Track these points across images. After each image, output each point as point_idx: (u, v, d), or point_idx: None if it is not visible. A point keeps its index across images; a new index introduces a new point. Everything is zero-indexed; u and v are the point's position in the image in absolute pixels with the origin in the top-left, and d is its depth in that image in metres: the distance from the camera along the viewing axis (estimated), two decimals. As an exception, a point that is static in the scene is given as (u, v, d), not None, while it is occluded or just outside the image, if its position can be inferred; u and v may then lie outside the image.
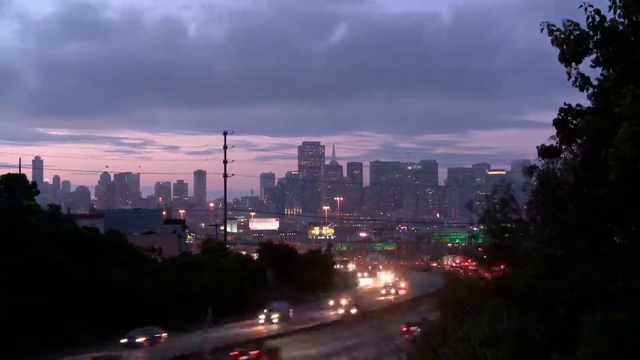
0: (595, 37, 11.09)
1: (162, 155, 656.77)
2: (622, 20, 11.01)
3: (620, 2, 10.92)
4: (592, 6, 10.95)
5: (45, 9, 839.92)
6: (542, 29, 11.34)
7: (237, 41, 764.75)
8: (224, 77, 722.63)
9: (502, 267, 23.60)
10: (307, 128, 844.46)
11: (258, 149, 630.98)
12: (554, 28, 11.31)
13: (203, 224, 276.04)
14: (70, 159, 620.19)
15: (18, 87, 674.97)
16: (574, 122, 12.25)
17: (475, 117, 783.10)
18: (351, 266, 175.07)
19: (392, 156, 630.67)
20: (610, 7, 10.97)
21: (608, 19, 11.05)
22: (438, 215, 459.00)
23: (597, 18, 11.00)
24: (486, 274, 27.44)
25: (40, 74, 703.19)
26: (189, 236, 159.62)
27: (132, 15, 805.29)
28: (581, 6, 11.02)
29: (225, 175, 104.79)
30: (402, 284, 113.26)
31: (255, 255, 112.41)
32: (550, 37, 11.33)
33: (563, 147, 13.39)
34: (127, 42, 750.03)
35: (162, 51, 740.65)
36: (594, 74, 11.70)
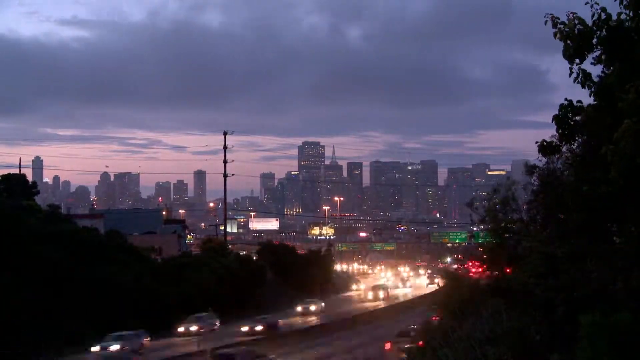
0: (600, 33, 11.00)
1: (169, 155, 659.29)
2: (627, 12, 10.89)
3: None
4: (597, 3, 10.87)
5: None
6: (545, 21, 11.23)
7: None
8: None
9: (502, 266, 23.59)
10: (313, 128, 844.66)
11: (263, 149, 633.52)
12: (559, 21, 11.20)
13: (203, 224, 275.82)
14: (76, 160, 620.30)
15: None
16: (575, 118, 12.19)
17: (484, 117, 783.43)
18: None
19: (398, 157, 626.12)
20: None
21: (615, 13, 10.95)
22: (438, 215, 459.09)
23: (603, 15, 10.91)
24: (486, 274, 27.43)
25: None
26: (189, 236, 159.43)
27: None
28: (587, 3, 10.94)
29: (225, 175, 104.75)
30: None
31: (255, 255, 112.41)
32: (554, 30, 11.22)
33: (563, 144, 13.33)
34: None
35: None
36: (595, 71, 11.65)
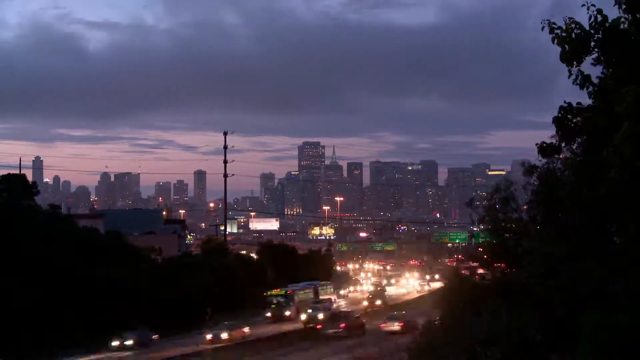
0: (597, 36, 11.06)
1: (179, 155, 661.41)
2: (625, 15, 10.94)
3: None
4: (594, 5, 10.92)
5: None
6: (542, 27, 11.31)
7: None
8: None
9: (502, 266, 23.56)
10: (322, 128, 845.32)
11: (272, 149, 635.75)
12: (555, 26, 11.28)
13: (203, 224, 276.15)
14: (83, 160, 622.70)
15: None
16: (574, 120, 12.23)
17: (497, 117, 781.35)
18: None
19: (407, 158, 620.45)
20: (615, 1, 10.91)
21: (610, 18, 11.01)
22: (438, 215, 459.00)
23: (599, 18, 10.96)
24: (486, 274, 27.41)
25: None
26: (189, 236, 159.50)
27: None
28: (583, 5, 10.99)
29: (225, 176, 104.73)
30: None
31: (255, 256, 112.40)
32: (551, 35, 11.30)
33: (563, 145, 13.37)
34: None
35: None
36: (595, 72, 11.67)
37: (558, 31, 11.26)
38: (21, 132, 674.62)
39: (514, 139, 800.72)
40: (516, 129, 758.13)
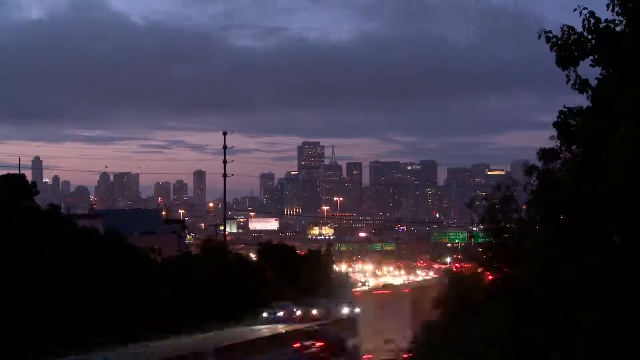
0: (592, 39, 11.12)
1: (188, 155, 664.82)
2: (619, 18, 11.02)
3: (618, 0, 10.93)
4: (586, 8, 11.00)
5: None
6: (539, 36, 11.37)
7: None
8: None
9: (502, 266, 23.56)
10: (332, 129, 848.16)
11: (279, 149, 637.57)
12: (551, 35, 11.36)
13: (203, 224, 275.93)
14: (87, 161, 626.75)
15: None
16: (574, 123, 12.29)
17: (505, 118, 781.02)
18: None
19: (414, 158, 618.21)
20: (607, 6, 10.99)
21: (603, 20, 11.08)
22: (438, 215, 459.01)
23: (592, 20, 11.03)
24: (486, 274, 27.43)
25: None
26: (188, 236, 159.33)
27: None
28: (576, 9, 11.06)
29: (224, 176, 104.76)
30: None
31: (254, 256, 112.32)
32: (548, 44, 11.37)
33: (563, 148, 13.43)
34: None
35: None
36: (594, 73, 11.72)
37: (554, 39, 11.34)
38: (29, 132, 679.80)
39: (519, 139, 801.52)
40: (522, 129, 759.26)
